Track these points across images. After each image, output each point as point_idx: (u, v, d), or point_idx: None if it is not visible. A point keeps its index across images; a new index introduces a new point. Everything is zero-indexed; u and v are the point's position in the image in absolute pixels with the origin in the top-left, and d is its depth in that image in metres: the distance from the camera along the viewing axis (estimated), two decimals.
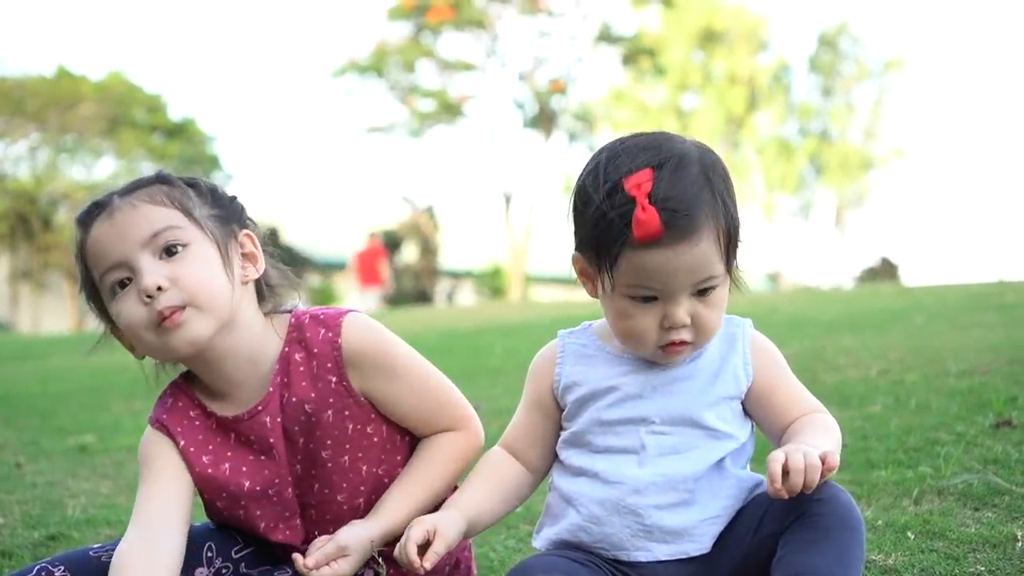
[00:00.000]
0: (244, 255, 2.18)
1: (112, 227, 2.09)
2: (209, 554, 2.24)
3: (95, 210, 2.13)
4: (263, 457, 2.18)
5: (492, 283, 36.58)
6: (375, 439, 2.20)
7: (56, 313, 33.60)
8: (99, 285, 2.13)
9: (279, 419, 2.16)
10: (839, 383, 5.14)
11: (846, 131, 42.22)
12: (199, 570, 2.21)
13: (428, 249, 33.65)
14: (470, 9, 32.18)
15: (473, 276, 37.67)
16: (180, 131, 34.47)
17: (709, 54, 40.13)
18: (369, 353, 2.15)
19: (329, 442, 2.17)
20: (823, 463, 1.85)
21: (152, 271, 2.05)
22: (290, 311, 2.25)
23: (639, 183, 1.94)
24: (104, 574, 2.05)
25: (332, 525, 2.19)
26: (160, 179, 2.16)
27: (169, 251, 2.07)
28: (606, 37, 34.27)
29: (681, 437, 2.04)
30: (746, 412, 2.12)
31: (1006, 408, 3.98)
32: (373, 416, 2.19)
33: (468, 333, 10.69)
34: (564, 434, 2.13)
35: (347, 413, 2.16)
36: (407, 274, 33.42)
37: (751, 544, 1.99)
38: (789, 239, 45.23)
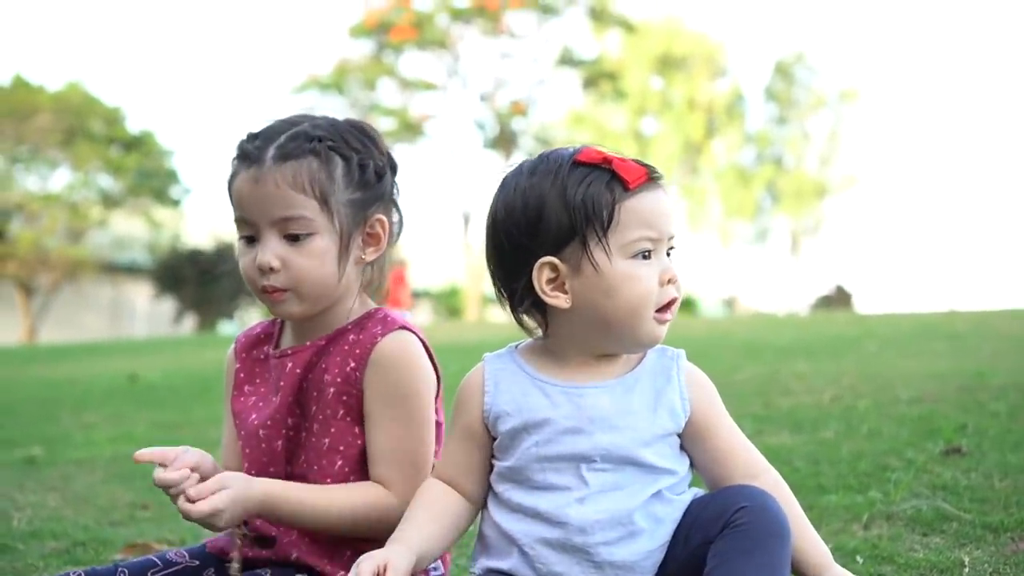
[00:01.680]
0: (369, 235, 2.21)
1: (253, 191, 2.14)
2: None
3: (246, 159, 2.17)
4: (272, 397, 2.22)
5: (449, 303, 36.56)
6: (359, 442, 2.16)
7: (7, 324, 33.28)
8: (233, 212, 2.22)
9: (299, 371, 2.19)
10: (792, 408, 5.17)
11: (802, 159, 42.63)
12: None
13: None
14: (432, 29, 32.25)
15: (431, 295, 37.65)
16: (138, 144, 34.24)
17: (668, 80, 40.42)
18: (390, 366, 2.13)
19: (321, 418, 2.16)
20: None
21: (270, 249, 2.14)
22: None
23: (597, 152, 1.99)
24: None
25: None
26: (314, 151, 2.16)
27: (293, 237, 2.13)
28: (567, 60, 34.42)
29: (620, 474, 1.99)
30: (682, 447, 2.06)
31: (955, 435, 4.02)
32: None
33: None
34: (499, 466, 2.03)
35: (345, 399, 2.14)
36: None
37: (682, 555, 1.96)
38: (745, 265, 45.47)
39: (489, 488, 2.08)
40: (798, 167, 42.48)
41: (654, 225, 1.96)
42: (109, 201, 34.21)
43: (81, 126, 32.69)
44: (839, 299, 34.47)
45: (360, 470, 2.16)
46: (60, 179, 34.58)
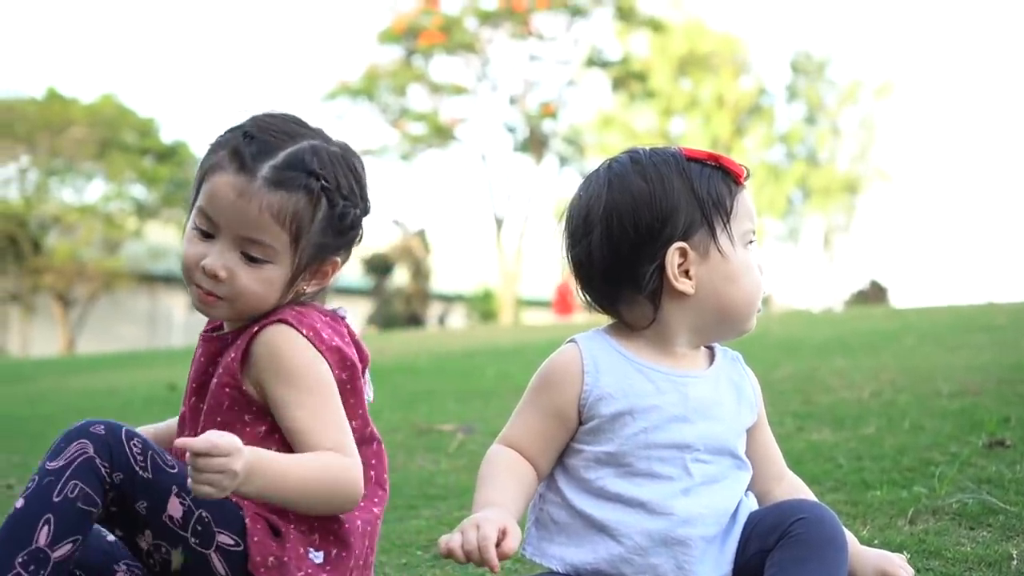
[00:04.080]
0: (319, 271, 2.23)
1: (232, 201, 2.13)
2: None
3: (237, 162, 2.14)
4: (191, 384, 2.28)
5: (483, 307, 36.58)
6: (247, 429, 2.14)
7: (45, 336, 33.53)
8: (192, 196, 2.24)
9: (202, 359, 2.25)
10: (832, 404, 5.15)
11: (833, 155, 42.43)
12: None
13: (419, 272, 33.62)
14: (461, 33, 32.28)
15: (464, 299, 37.67)
16: (171, 154, 34.41)
17: (695, 79, 40.33)
18: (269, 353, 2.13)
19: (207, 407, 2.19)
20: None
21: (222, 259, 2.15)
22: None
23: (701, 151, 2.09)
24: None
25: None
26: (308, 188, 2.14)
27: (251, 257, 2.15)
28: (596, 61, 34.37)
29: (719, 466, 2.04)
30: None
31: (998, 428, 3.99)
32: (255, 410, 2.16)
33: (460, 356, 10.70)
34: (593, 451, 2.02)
35: (227, 390, 2.15)
36: (398, 297, 33.40)
37: (739, 564, 2.01)
38: (778, 263, 45.31)
39: (562, 471, 2.07)
40: (829, 163, 42.28)
41: (754, 218, 2.08)
42: (144, 212, 34.41)
43: (115, 138, 32.88)
44: (874, 294, 34.27)
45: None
46: (95, 191, 34.83)
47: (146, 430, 2.41)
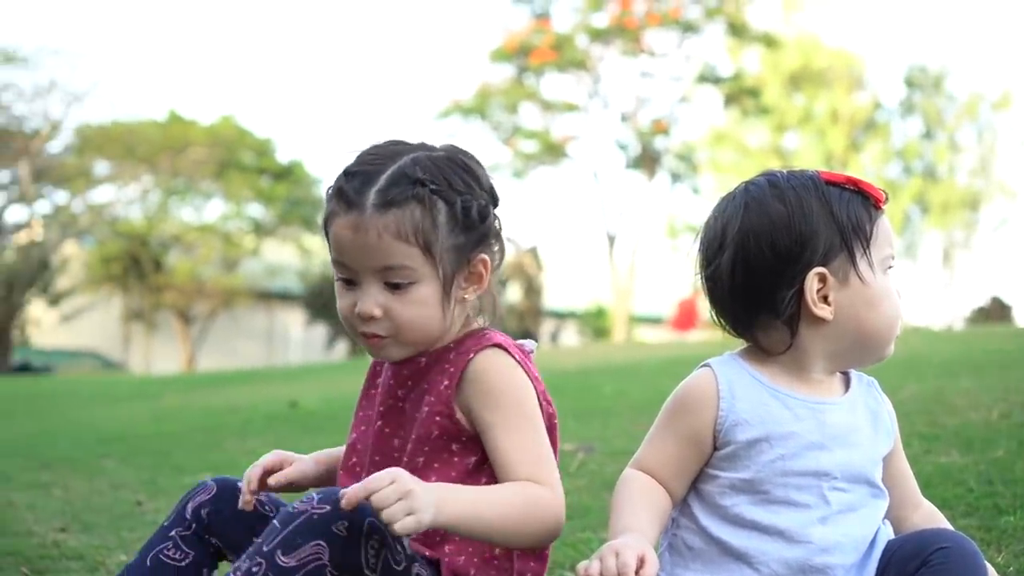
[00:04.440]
0: (471, 274, 2.19)
1: (354, 239, 2.12)
2: None
3: (345, 201, 2.14)
4: (373, 418, 2.24)
5: (595, 323, 36.49)
6: (455, 460, 2.13)
7: (167, 353, 34.27)
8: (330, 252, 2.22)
9: (392, 383, 2.21)
10: (960, 426, 5.05)
11: (952, 170, 41.63)
12: None
13: (532, 289, 33.66)
14: (572, 51, 32.31)
15: (576, 316, 37.63)
16: (287, 174, 34.99)
17: (808, 94, 39.87)
18: (484, 379, 2.11)
19: (415, 437, 2.14)
20: None
21: (372, 297, 2.13)
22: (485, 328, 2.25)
23: (840, 174, 2.06)
24: None
25: None
26: (418, 197, 2.11)
27: (394, 285, 2.13)
28: (708, 77, 34.16)
29: (855, 495, 2.01)
30: None
31: None
32: (464, 439, 2.13)
33: (576, 374, 10.69)
34: (729, 478, 2.01)
35: (438, 419, 2.12)
36: (511, 314, 33.48)
37: None
38: (896, 280, 44.43)
39: (697, 497, 2.05)
40: (948, 178, 41.49)
41: (893, 243, 2.04)
42: (261, 230, 35.01)
43: (233, 158, 33.53)
44: (997, 312, 33.48)
45: (467, 480, 2.12)
46: (214, 210, 35.55)
47: (318, 457, 2.38)
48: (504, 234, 2.25)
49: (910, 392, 6.18)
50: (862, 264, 2.00)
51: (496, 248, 2.23)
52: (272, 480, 2.29)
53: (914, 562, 1.93)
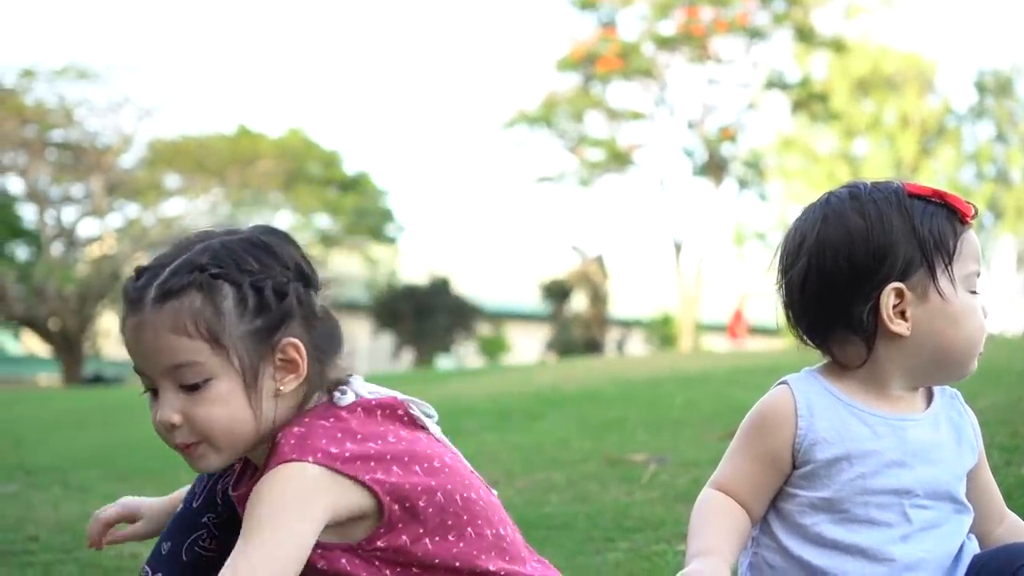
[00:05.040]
0: (282, 361, 2.01)
1: (137, 341, 1.98)
2: None
3: (129, 302, 1.99)
4: None
5: (662, 332, 36.37)
6: None
7: None
8: None
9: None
10: None
11: None
12: None
13: (598, 298, 33.62)
14: (639, 59, 32.26)
15: (642, 325, 37.53)
16: (354, 185, 35.23)
17: (877, 99, 39.48)
18: (268, 485, 1.93)
19: None
20: None
21: (168, 405, 1.97)
22: (335, 404, 2.06)
23: (921, 185, 2.03)
24: None
25: None
26: (196, 283, 1.95)
27: (189, 386, 1.96)
28: (776, 83, 33.96)
29: (938, 511, 1.99)
30: None
31: None
32: None
33: (644, 383, 10.63)
34: (808, 497, 1.99)
35: None
36: (577, 323, 33.46)
37: None
38: (984, 297, 43.86)
39: (776, 516, 2.03)
40: (1022, 183, 40.91)
41: (979, 259, 2.01)
42: (328, 240, 35.26)
43: (301, 170, 33.80)
44: None
45: None
46: (282, 221, 35.84)
47: (174, 498, 2.33)
48: (323, 311, 2.06)
49: (988, 402, 6.06)
50: (943, 280, 1.97)
51: (313, 327, 2.04)
52: (109, 537, 2.26)
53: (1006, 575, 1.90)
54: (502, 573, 2.07)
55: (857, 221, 2.00)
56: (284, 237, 2.10)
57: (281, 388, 2.00)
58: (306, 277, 2.06)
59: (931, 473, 1.98)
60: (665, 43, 32.28)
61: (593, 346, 32.34)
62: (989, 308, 2.04)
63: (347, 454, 1.97)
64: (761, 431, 2.03)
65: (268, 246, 2.04)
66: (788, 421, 2.00)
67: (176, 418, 1.97)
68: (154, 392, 2.00)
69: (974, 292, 2.01)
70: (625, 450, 5.89)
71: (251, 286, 1.98)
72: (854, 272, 1.98)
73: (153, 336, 1.95)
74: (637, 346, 35.67)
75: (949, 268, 1.98)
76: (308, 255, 2.11)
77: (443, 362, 30.70)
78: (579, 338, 32.62)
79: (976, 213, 2.05)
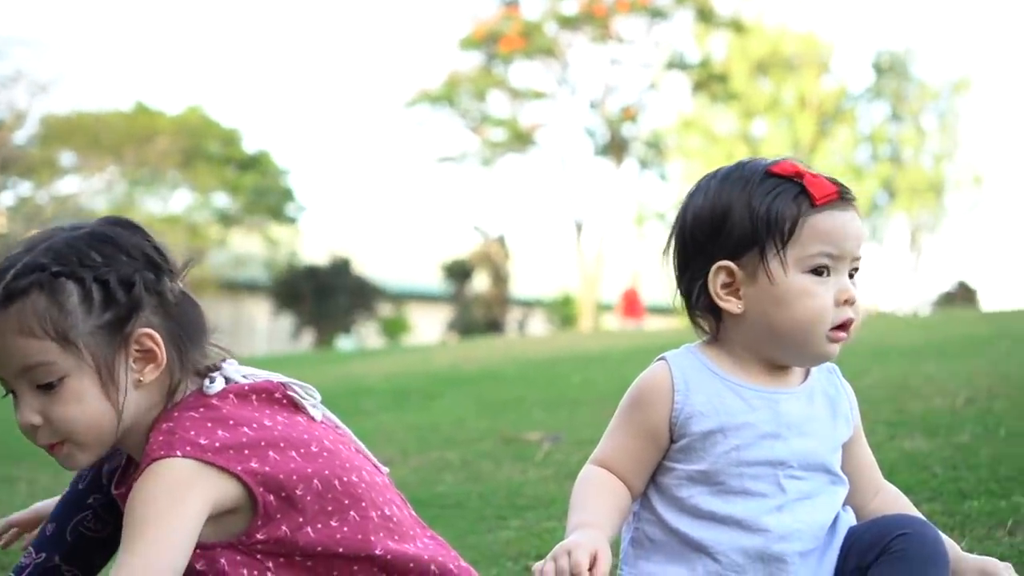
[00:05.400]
0: (141, 353, 2.01)
1: None
2: None
3: None
4: None
5: (563, 312, 36.53)
6: None
7: None
8: None
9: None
10: (925, 412, 5.06)
11: (918, 155, 41.90)
12: None
13: (499, 278, 33.67)
14: (541, 38, 32.28)
15: (543, 305, 37.66)
16: (254, 164, 34.85)
17: (776, 80, 39.98)
18: (141, 489, 1.93)
19: None
20: None
21: (27, 407, 1.98)
22: (204, 393, 2.06)
23: (792, 165, 2.02)
24: None
25: None
26: (38, 283, 1.94)
27: (44, 386, 1.96)
28: (676, 64, 34.21)
29: (812, 482, 2.02)
30: None
31: None
32: None
33: (544, 363, 10.67)
34: (686, 470, 2.01)
35: None
36: (478, 303, 33.48)
37: None
38: (863, 264, 44.70)
39: (656, 490, 2.06)
40: (914, 163, 41.74)
41: (836, 243, 1.97)
42: (227, 220, 34.87)
43: (199, 148, 33.36)
44: (963, 296, 33.70)
45: None
46: (180, 200, 35.37)
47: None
48: (181, 296, 2.07)
49: (875, 378, 6.19)
50: (772, 261, 1.97)
51: (170, 315, 2.04)
52: (9, 538, 2.32)
53: (875, 549, 1.94)
54: (389, 556, 2.07)
55: (703, 200, 2.04)
56: (131, 226, 2.09)
57: (141, 379, 2.00)
58: (156, 265, 2.05)
59: (805, 445, 2.01)
60: (567, 22, 32.34)
61: (494, 326, 32.40)
62: (850, 293, 2.00)
63: (217, 444, 1.96)
64: (639, 406, 2.05)
65: (112, 238, 2.03)
66: (665, 396, 2.02)
67: (36, 419, 1.97)
68: (14, 394, 2.00)
69: (819, 275, 1.99)
70: (521, 429, 5.91)
71: (95, 280, 1.97)
72: (695, 248, 2.03)
73: (1, 340, 1.95)
74: (538, 326, 35.79)
75: (781, 250, 1.97)
76: (160, 242, 2.11)
77: (344, 343, 30.53)
78: (481, 318, 32.66)
79: (842, 196, 2.01)
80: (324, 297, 29.72)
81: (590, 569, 1.83)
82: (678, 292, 2.10)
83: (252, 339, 36.11)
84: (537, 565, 1.87)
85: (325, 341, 30.15)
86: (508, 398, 7.60)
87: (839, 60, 46.68)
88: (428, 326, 33.85)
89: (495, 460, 5.09)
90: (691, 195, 2.08)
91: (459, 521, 3.87)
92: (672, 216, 2.12)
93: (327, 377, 11.88)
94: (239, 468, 1.95)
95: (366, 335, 32.42)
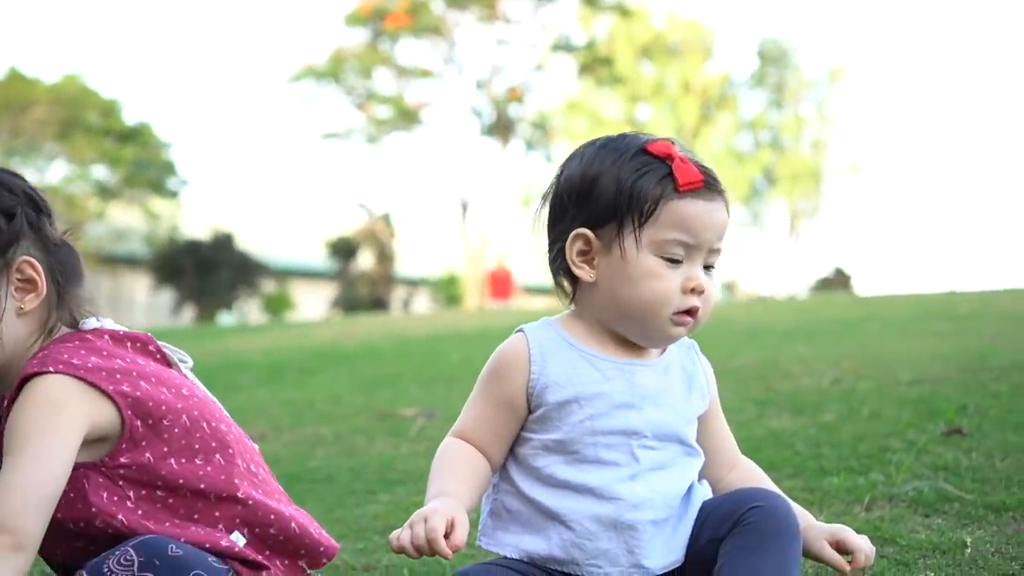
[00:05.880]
0: (20, 282, 2.08)
1: None
2: None
3: None
4: None
5: (448, 291, 36.54)
6: None
7: None
8: None
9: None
10: (793, 391, 5.17)
11: (798, 142, 42.66)
12: None
13: (384, 256, 33.56)
14: (428, 16, 32.18)
15: (429, 283, 37.64)
16: (134, 136, 34.15)
17: (660, 65, 40.38)
18: (18, 409, 1.97)
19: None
20: None
21: None
22: (79, 329, 2.12)
23: (667, 146, 2.02)
24: None
25: None
26: None
27: None
28: (563, 46, 34.34)
29: (666, 453, 2.04)
30: None
31: (956, 416, 4.03)
32: None
33: (424, 340, 10.68)
34: (541, 439, 2.02)
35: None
36: (362, 281, 33.33)
37: (692, 551, 2.03)
38: (743, 249, 45.49)
39: (514, 461, 2.07)
40: (794, 150, 42.49)
41: (693, 232, 1.98)
42: (106, 193, 34.17)
43: (77, 118, 32.61)
44: (838, 281, 34.47)
45: None
46: (57, 172, 34.55)
47: None
48: (62, 241, 2.15)
49: (747, 359, 6.30)
50: (628, 238, 1.98)
51: (50, 252, 2.12)
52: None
53: (728, 522, 1.97)
54: (251, 502, 2.09)
55: (576, 164, 2.06)
56: (11, 172, 2.15)
57: (22, 307, 2.07)
58: (37, 205, 2.13)
59: (659, 416, 2.03)
60: (455, 1, 32.27)
61: (379, 304, 32.29)
62: (699, 282, 1.99)
63: (90, 364, 2.00)
64: (497, 377, 2.06)
65: None
66: (522, 366, 2.04)
67: None
68: None
69: (673, 261, 1.99)
70: (396, 405, 5.91)
71: None
72: (562, 210, 2.05)
73: None
74: (423, 304, 35.76)
75: (638, 228, 1.98)
76: (39, 192, 2.17)
77: (225, 319, 30.17)
78: (365, 296, 32.53)
79: (708, 186, 2.00)
80: (206, 272, 29.35)
81: (447, 536, 1.84)
82: (547, 253, 2.11)
83: (131, 314, 35.48)
84: (394, 533, 1.87)
85: (206, 317, 29.77)
86: (386, 374, 7.59)
87: (723, 47, 47.21)
88: (312, 303, 33.61)
89: (368, 436, 5.08)
90: (569, 159, 2.10)
91: (329, 495, 3.85)
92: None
93: (205, 352, 11.73)
94: (111, 388, 1.99)
95: (248, 311, 32.09)
